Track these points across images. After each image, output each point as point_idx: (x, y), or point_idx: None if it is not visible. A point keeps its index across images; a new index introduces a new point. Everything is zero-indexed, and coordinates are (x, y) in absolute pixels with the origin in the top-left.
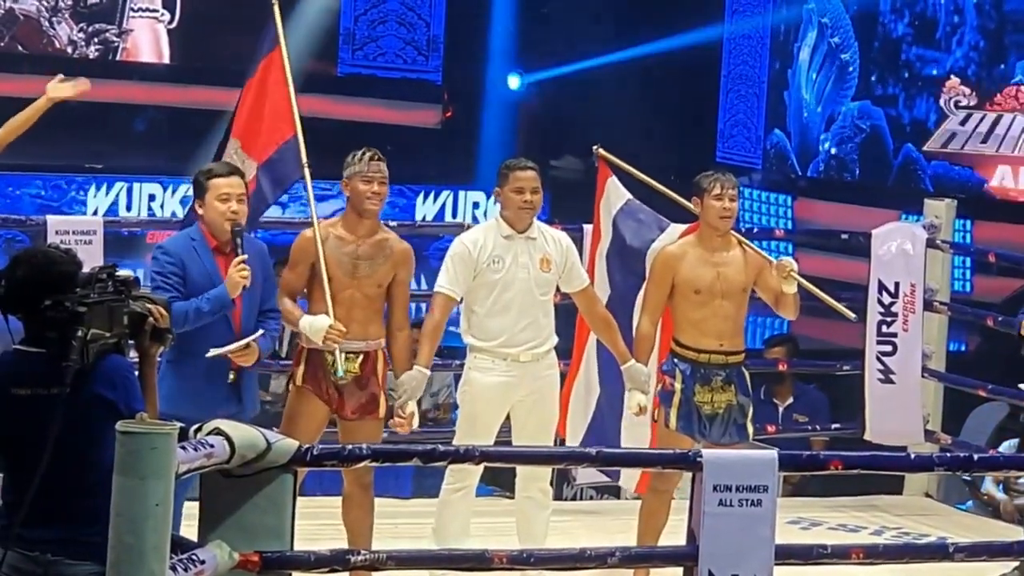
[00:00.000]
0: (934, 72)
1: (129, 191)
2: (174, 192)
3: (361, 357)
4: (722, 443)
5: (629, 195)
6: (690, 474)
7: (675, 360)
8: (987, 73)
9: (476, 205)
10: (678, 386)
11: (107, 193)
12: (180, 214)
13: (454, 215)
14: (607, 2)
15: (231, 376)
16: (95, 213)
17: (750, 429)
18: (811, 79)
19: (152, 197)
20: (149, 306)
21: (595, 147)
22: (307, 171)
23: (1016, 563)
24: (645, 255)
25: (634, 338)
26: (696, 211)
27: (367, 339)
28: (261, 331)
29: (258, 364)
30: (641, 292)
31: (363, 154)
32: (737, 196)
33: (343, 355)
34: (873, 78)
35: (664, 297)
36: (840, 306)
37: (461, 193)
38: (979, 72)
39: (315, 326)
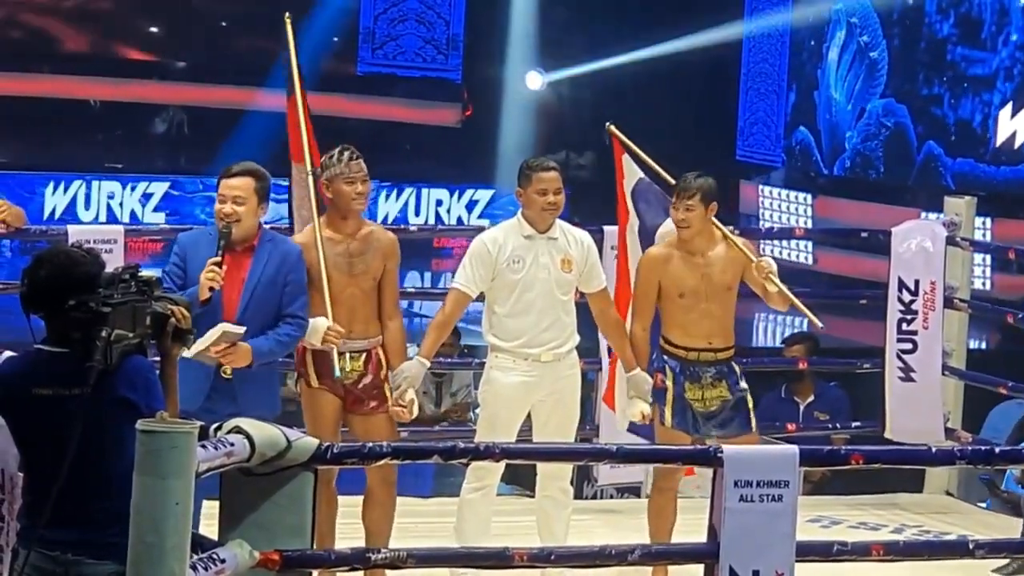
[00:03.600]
0: (979, 72)
1: (88, 188)
2: (133, 190)
3: (364, 355)
4: (727, 437)
5: (641, 173)
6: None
7: (664, 357)
8: None
9: (439, 203)
10: (669, 383)
11: (64, 192)
12: (140, 212)
13: (416, 213)
14: (626, 0)
15: (227, 372)
16: (53, 212)
17: (753, 419)
18: (840, 78)
19: (111, 195)
20: (171, 307)
21: (608, 124)
22: (311, 179)
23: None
24: (653, 238)
25: (630, 345)
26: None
27: (368, 337)
28: (243, 328)
29: (266, 365)
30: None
31: (341, 153)
32: (694, 207)
33: (345, 356)
34: (920, 78)
35: (652, 301)
36: (811, 314)
37: (424, 191)
38: None
39: (314, 328)
